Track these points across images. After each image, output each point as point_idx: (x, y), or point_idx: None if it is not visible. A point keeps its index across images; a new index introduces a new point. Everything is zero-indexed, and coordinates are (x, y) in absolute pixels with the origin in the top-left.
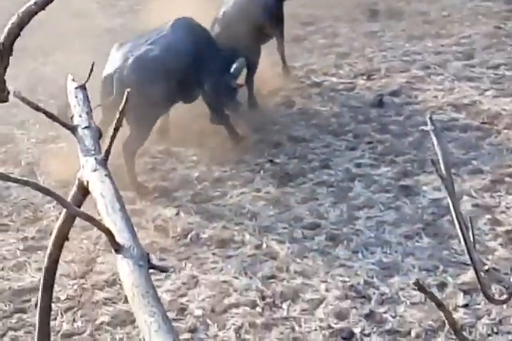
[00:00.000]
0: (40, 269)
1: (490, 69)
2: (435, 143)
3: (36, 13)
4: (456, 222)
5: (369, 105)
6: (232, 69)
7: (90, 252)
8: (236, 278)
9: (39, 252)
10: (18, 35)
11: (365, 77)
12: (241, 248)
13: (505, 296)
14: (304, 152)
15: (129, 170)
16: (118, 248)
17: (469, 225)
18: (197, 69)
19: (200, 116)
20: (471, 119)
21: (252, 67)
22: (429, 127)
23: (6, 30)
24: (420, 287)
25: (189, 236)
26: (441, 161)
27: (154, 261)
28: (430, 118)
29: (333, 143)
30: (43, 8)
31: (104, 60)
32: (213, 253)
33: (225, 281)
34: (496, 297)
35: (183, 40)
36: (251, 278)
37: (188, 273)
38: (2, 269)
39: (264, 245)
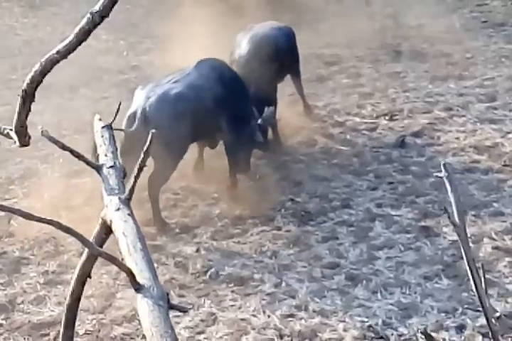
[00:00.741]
0: (60, 303)
1: None
2: (449, 190)
3: (58, 61)
4: (468, 269)
5: (391, 146)
6: (260, 121)
7: (110, 287)
8: (254, 316)
9: (59, 286)
10: (41, 82)
11: (387, 118)
12: (260, 286)
13: None
14: (325, 191)
15: (154, 205)
16: (138, 287)
17: (481, 272)
18: (220, 110)
19: (221, 154)
20: (492, 161)
21: (273, 106)
22: (443, 174)
23: (28, 77)
24: (428, 337)
25: (208, 273)
26: (454, 208)
27: (173, 297)
28: (444, 165)
29: (355, 183)
30: (65, 57)
31: (129, 96)
32: (232, 291)
33: (243, 319)
34: None
35: (207, 79)
36: (269, 316)
37: (207, 310)
38: (22, 303)
39: (284, 283)
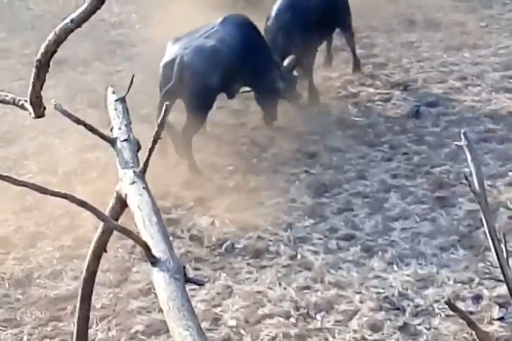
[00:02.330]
0: (76, 278)
1: None
2: (469, 158)
3: (73, 30)
4: (489, 237)
5: (405, 116)
6: (282, 67)
7: (125, 261)
8: (270, 288)
9: (75, 261)
10: (55, 51)
11: (401, 88)
12: (276, 258)
13: None
14: (339, 162)
15: (187, 152)
16: (154, 261)
17: (503, 240)
18: (244, 63)
19: (236, 127)
20: (508, 131)
21: (307, 67)
22: (463, 142)
23: (43, 47)
24: (452, 306)
25: (224, 246)
26: (474, 176)
27: (189, 270)
28: (464, 133)
29: (369, 154)
30: (79, 26)
31: (142, 69)
32: (248, 264)
33: (259, 291)
34: None
35: (234, 35)
36: (285, 288)
37: (223, 283)
38: (39, 277)
39: (299, 256)
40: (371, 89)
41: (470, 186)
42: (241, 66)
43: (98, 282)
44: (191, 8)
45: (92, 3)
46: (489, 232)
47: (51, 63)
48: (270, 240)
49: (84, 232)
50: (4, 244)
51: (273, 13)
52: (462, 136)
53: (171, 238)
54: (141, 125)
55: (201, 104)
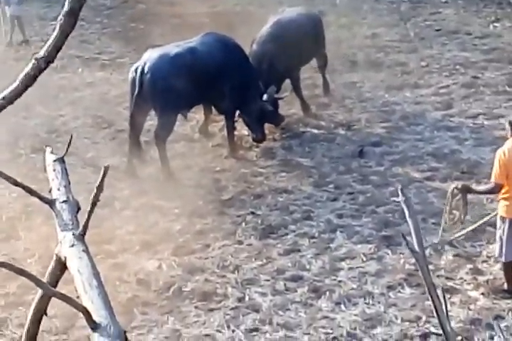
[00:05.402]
0: (21, 325)
1: (469, 119)
2: (407, 215)
3: (5, 107)
4: (429, 296)
5: (350, 156)
6: (265, 97)
7: (72, 307)
8: (219, 331)
9: (20, 308)
10: None
11: (345, 128)
12: (223, 301)
13: None
14: (285, 203)
15: (161, 155)
16: (95, 326)
17: (442, 298)
18: (221, 76)
19: (181, 169)
20: (450, 169)
21: (295, 83)
22: (400, 198)
23: None
24: None
25: (171, 289)
26: (413, 234)
27: (137, 315)
28: (401, 189)
29: (315, 195)
30: (12, 103)
31: (85, 113)
32: (196, 307)
33: (207, 335)
34: None
35: (207, 46)
36: (234, 331)
37: (171, 326)
38: None
39: (247, 298)
40: (315, 130)
41: (407, 244)
42: (215, 78)
43: (44, 329)
44: (133, 51)
45: (24, 81)
46: (429, 291)
47: None
48: (218, 282)
49: None
50: None
51: (258, 40)
52: (399, 192)
53: (117, 282)
54: (86, 169)
55: (166, 106)
